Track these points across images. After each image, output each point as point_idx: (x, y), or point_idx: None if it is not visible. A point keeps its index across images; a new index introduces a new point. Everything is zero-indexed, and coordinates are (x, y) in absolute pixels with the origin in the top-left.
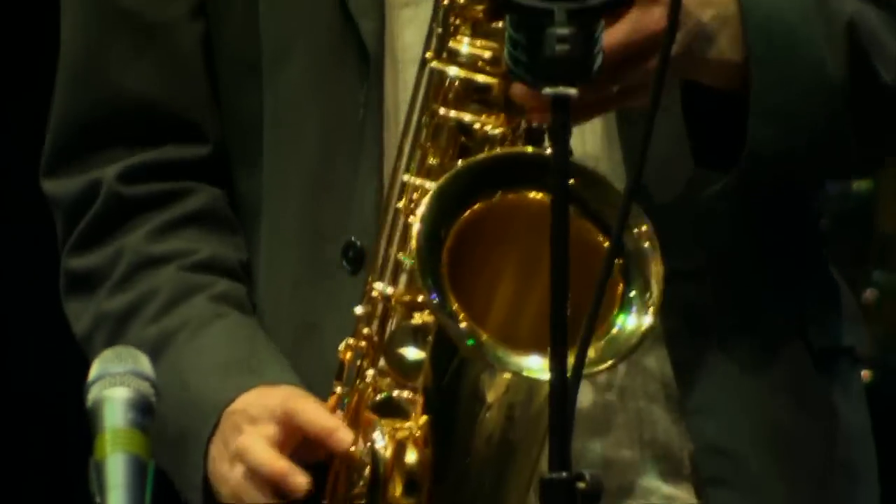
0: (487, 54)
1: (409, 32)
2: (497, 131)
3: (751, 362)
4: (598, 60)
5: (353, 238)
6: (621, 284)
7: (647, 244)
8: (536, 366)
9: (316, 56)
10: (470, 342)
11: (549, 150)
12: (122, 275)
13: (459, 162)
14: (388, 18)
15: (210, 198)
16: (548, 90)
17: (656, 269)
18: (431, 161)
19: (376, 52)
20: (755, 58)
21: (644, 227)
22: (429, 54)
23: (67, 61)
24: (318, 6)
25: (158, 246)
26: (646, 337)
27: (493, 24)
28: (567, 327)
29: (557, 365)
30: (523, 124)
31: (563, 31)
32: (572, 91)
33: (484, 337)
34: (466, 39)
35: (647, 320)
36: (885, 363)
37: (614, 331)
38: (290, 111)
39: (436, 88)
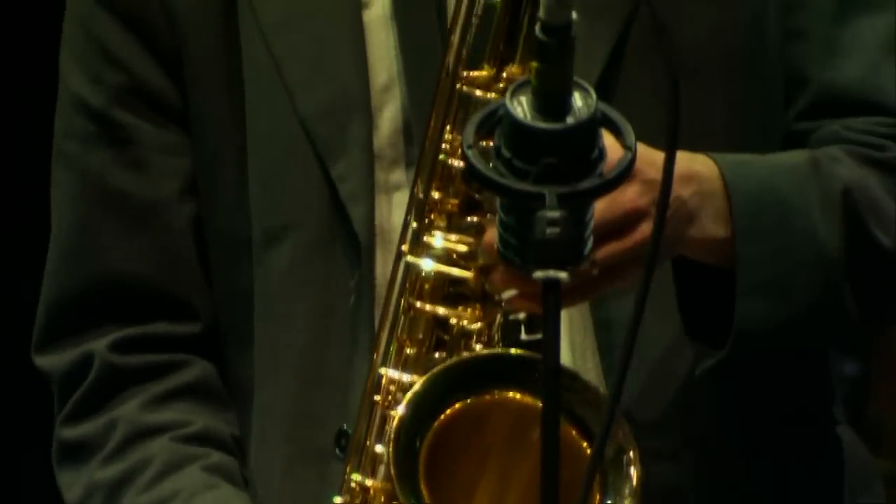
0: (462, 248)
1: (400, 216)
2: (473, 326)
3: None
4: (589, 244)
5: (345, 426)
6: (598, 495)
7: (627, 453)
8: None
9: (306, 241)
10: None
11: (516, 350)
12: (116, 445)
13: (439, 359)
14: (380, 202)
15: (203, 371)
16: (538, 274)
17: (634, 486)
18: (408, 353)
19: (367, 239)
20: (742, 232)
21: (625, 433)
22: (404, 247)
23: (58, 240)
24: (309, 191)
25: (152, 417)
26: None
27: (468, 219)
28: None
29: None
30: (499, 318)
31: (554, 214)
32: (563, 275)
33: None
34: (441, 233)
35: None
36: None
37: None
38: (280, 295)
39: (411, 282)
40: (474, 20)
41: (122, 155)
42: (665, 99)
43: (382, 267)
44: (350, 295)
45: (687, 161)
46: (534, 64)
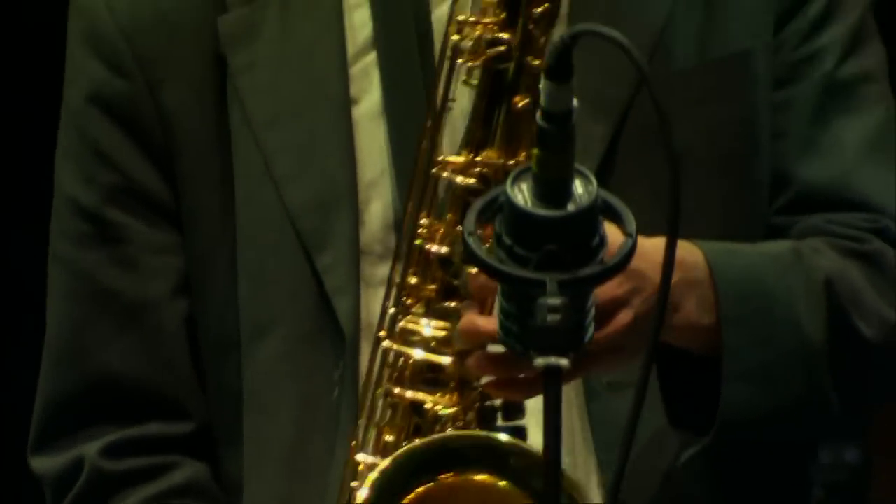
0: (440, 334)
1: None
2: (448, 411)
3: None
4: (590, 331)
5: None
6: None
7: None
8: None
9: (293, 334)
10: None
11: (483, 432)
12: None
13: (403, 446)
14: (367, 296)
15: (193, 472)
16: (539, 361)
17: None
18: (387, 439)
19: (352, 332)
20: (727, 319)
21: None
22: (382, 333)
23: (52, 340)
24: (296, 285)
25: None
26: None
27: (446, 304)
28: None
29: None
30: (476, 404)
31: (555, 301)
32: (564, 362)
33: None
34: (419, 319)
35: None
36: None
37: None
38: (266, 389)
39: (389, 368)
40: (450, 104)
41: (115, 254)
42: (663, 190)
43: (368, 360)
44: (334, 387)
45: None
46: (535, 151)
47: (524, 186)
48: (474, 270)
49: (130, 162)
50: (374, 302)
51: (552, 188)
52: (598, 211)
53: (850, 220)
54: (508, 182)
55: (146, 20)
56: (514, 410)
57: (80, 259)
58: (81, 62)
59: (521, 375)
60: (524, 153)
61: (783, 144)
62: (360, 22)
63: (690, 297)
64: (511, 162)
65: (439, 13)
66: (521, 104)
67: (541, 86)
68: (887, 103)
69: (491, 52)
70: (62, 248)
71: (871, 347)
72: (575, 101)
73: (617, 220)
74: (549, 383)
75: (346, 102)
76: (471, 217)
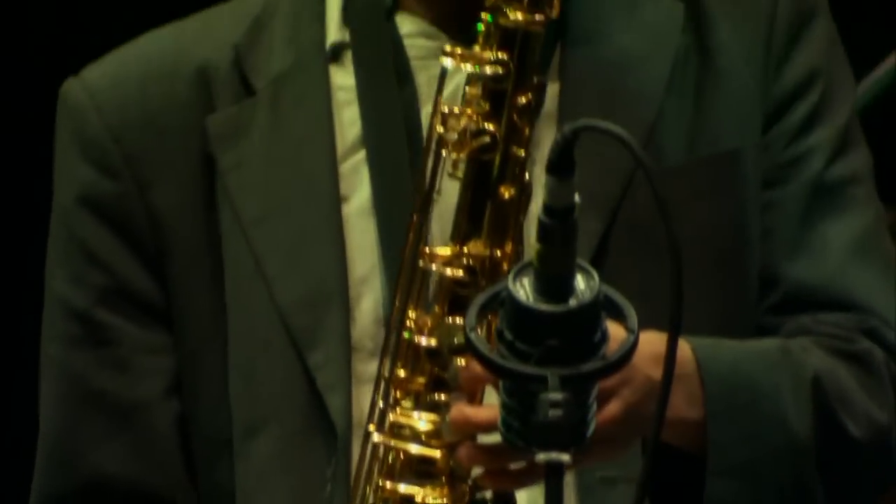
0: (429, 427)
1: None
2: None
3: None
4: (592, 426)
5: None
6: None
7: None
8: None
9: (285, 432)
10: None
11: None
12: None
13: None
14: (358, 394)
15: None
16: (541, 456)
17: None
18: None
19: (344, 429)
20: (714, 415)
21: None
22: (371, 427)
23: (45, 440)
24: (287, 382)
25: None
26: None
27: (435, 396)
28: None
29: None
30: (467, 496)
31: (556, 396)
32: (566, 457)
33: None
34: (408, 412)
35: None
36: None
37: None
38: (259, 487)
39: (379, 462)
40: (435, 196)
41: (106, 356)
42: (652, 287)
43: (359, 454)
44: (327, 483)
45: (660, 342)
46: (536, 246)
47: (526, 281)
48: (463, 362)
49: (120, 263)
50: (365, 398)
51: (554, 283)
52: (600, 306)
53: (838, 320)
54: (510, 277)
55: (134, 121)
56: (504, 503)
57: (71, 361)
58: (70, 164)
59: (513, 466)
60: (511, 244)
61: (771, 245)
62: (349, 120)
63: (678, 392)
64: (498, 253)
65: (428, 109)
66: (506, 195)
67: (543, 181)
68: (874, 205)
69: (476, 142)
70: (53, 349)
71: (860, 447)
72: (577, 197)
73: (619, 315)
74: (551, 479)
75: (335, 200)
76: (472, 313)
